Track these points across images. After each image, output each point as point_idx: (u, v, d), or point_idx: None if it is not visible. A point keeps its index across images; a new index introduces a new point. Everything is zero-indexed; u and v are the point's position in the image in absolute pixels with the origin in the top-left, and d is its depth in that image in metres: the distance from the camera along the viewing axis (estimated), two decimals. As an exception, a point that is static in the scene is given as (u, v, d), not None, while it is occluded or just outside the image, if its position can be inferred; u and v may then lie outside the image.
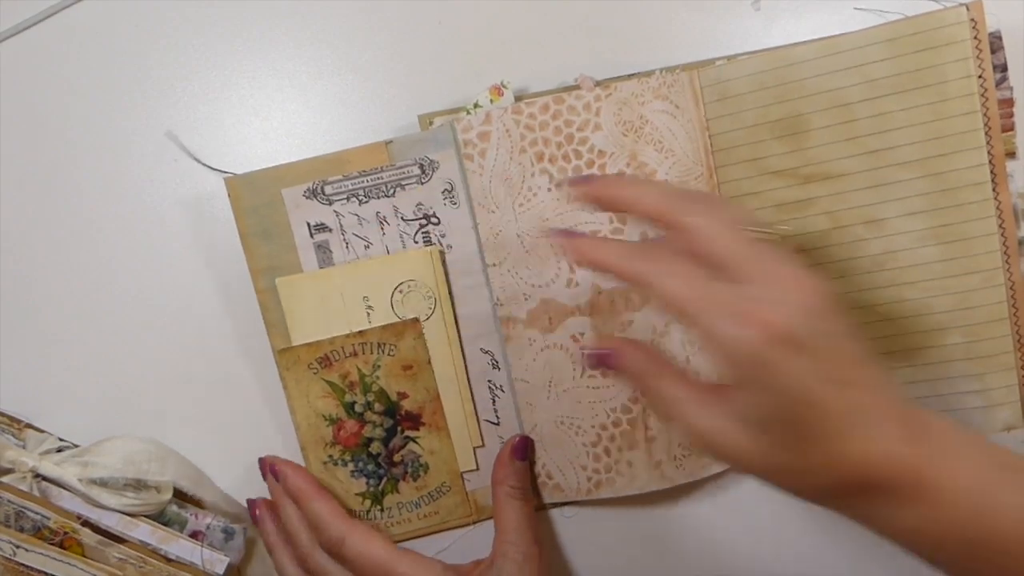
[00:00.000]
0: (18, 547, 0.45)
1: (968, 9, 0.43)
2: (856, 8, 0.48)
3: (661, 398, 0.36)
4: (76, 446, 0.47)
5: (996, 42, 0.45)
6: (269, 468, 0.47)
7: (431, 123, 0.47)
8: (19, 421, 0.48)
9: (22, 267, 0.48)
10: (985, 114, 0.44)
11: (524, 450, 0.46)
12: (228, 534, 0.47)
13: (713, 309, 0.32)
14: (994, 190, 0.44)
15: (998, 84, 0.45)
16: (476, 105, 0.46)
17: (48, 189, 0.48)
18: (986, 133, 0.44)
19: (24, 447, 0.47)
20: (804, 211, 0.46)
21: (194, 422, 0.49)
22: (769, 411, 0.32)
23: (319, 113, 0.48)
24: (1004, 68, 0.46)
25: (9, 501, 0.45)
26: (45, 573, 0.45)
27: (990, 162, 0.44)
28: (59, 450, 0.47)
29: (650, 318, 0.45)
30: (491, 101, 0.46)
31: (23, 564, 0.45)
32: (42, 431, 0.48)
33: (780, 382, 0.32)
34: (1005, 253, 0.44)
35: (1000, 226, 0.44)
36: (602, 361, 0.38)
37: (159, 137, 0.49)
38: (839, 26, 0.49)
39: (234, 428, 0.49)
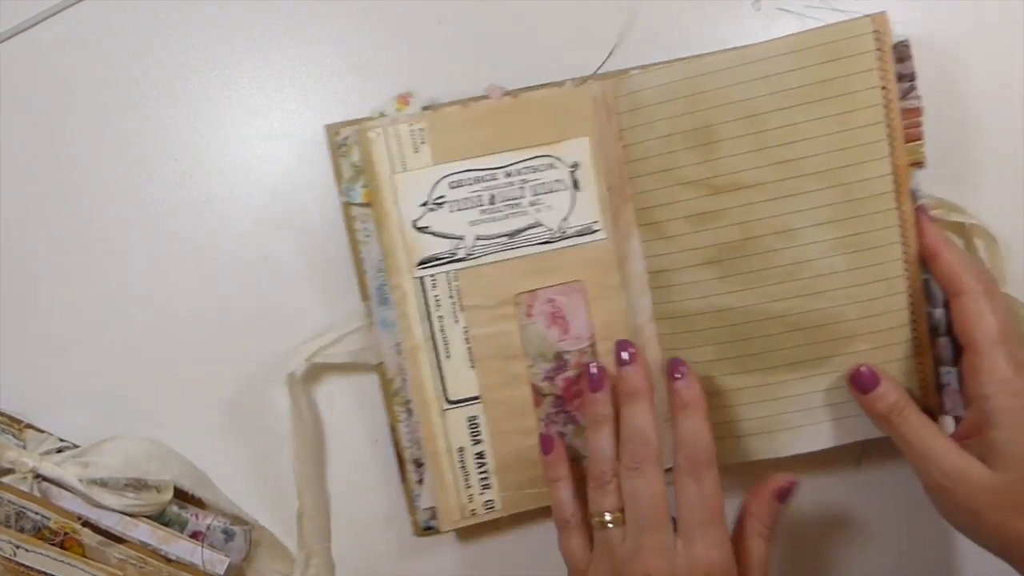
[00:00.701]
0: (18, 547, 0.45)
1: (873, 20, 0.43)
2: (778, 8, 0.48)
3: (909, 426, 0.42)
4: (76, 446, 0.47)
5: (905, 51, 0.45)
6: (673, 368, 0.44)
7: (338, 133, 0.46)
8: (19, 421, 0.47)
9: (22, 267, 0.48)
10: (888, 125, 0.44)
11: (788, 495, 0.44)
12: (228, 535, 0.47)
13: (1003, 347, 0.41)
14: (896, 200, 0.44)
15: (906, 93, 0.45)
16: (381, 114, 0.46)
17: (48, 189, 0.48)
18: (889, 144, 0.44)
19: (24, 447, 0.47)
20: (717, 222, 0.45)
21: (194, 422, 0.49)
22: (1019, 448, 0.39)
23: (319, 113, 0.48)
24: (912, 77, 0.45)
25: (10, 501, 0.45)
26: (45, 573, 0.45)
27: (893, 173, 0.44)
28: (59, 450, 0.47)
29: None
30: (397, 110, 0.46)
31: (23, 564, 0.45)
32: (42, 431, 0.48)
33: None
34: (906, 262, 0.44)
35: (902, 236, 0.44)
36: (864, 380, 0.44)
37: (159, 137, 0.49)
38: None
39: (235, 429, 0.49)
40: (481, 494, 0.47)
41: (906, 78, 0.45)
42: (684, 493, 0.41)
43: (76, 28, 0.48)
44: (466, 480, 0.47)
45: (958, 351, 0.44)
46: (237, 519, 0.48)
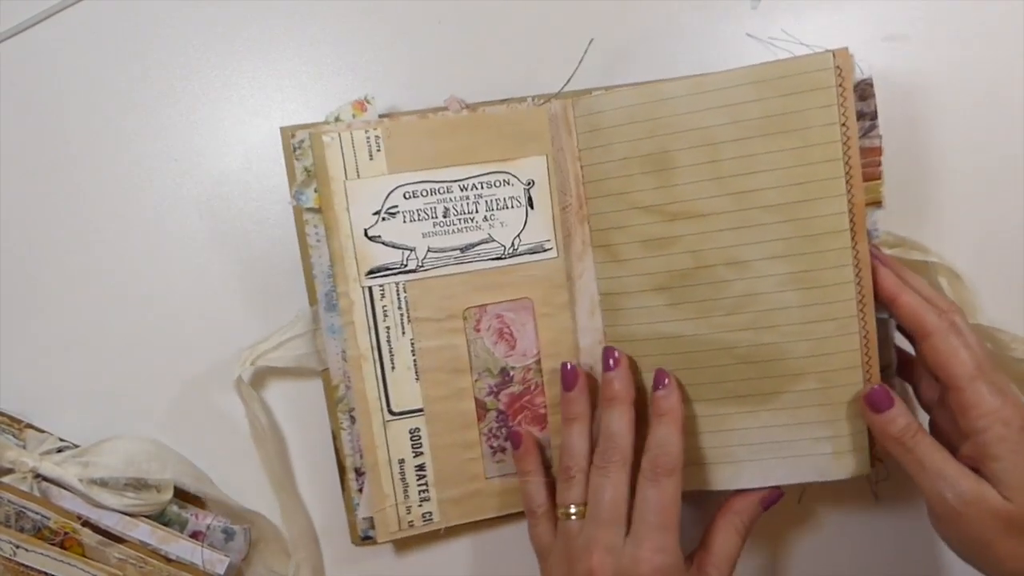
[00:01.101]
0: (18, 547, 0.45)
1: (834, 56, 0.42)
2: (747, 34, 0.49)
3: (923, 450, 0.42)
4: (76, 446, 0.47)
5: (868, 89, 0.45)
6: (658, 380, 0.45)
7: (293, 135, 0.46)
8: (19, 421, 0.48)
9: (22, 267, 0.48)
10: (847, 163, 0.43)
11: (772, 503, 0.46)
12: (228, 534, 0.47)
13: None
14: (852, 239, 0.43)
15: (868, 132, 0.45)
16: (337, 119, 0.46)
17: (48, 189, 0.48)
18: (847, 182, 0.43)
19: (24, 447, 0.47)
20: (669, 248, 0.45)
21: (194, 422, 0.49)
22: (1021, 475, 0.40)
23: (319, 113, 0.48)
24: (874, 116, 0.45)
25: (9, 501, 0.45)
26: (45, 573, 0.45)
27: (850, 211, 0.43)
28: (59, 450, 0.47)
29: None
30: (353, 116, 0.46)
31: (23, 564, 0.45)
32: (42, 431, 0.48)
33: None
34: (860, 302, 0.43)
35: (856, 275, 0.43)
36: (880, 399, 0.43)
37: (159, 137, 0.49)
38: (835, 27, 0.49)
39: (235, 429, 0.49)
40: (420, 506, 0.47)
41: (867, 116, 0.45)
42: (642, 496, 0.43)
43: (76, 28, 0.48)
44: (405, 492, 0.47)
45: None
46: (238, 518, 0.48)
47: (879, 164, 0.45)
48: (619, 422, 0.44)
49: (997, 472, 0.40)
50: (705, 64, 0.48)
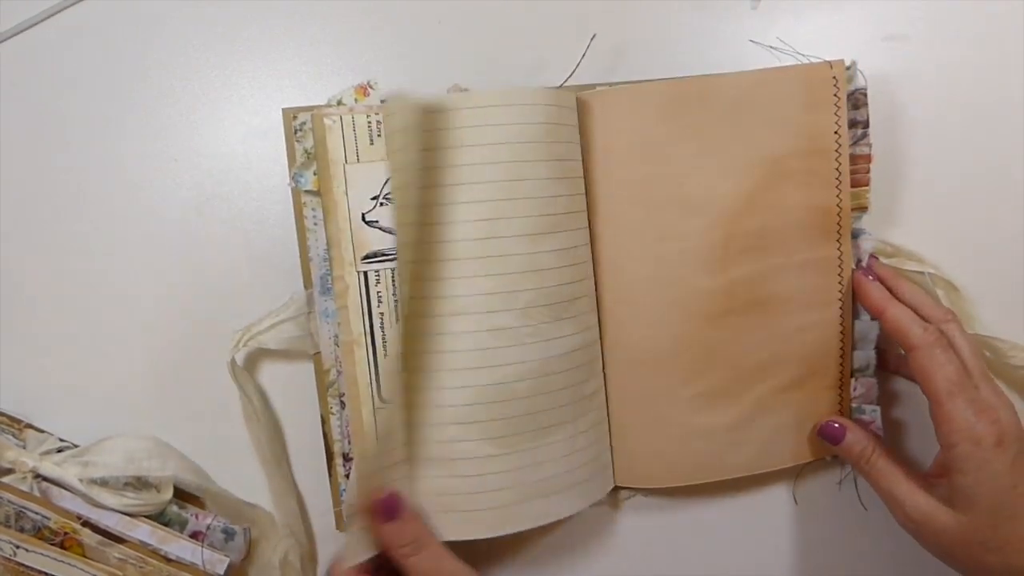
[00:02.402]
0: (18, 547, 0.45)
1: (831, 67, 0.45)
2: (750, 40, 0.49)
3: (878, 472, 0.45)
4: (76, 446, 0.47)
5: (861, 98, 0.46)
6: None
7: (295, 117, 0.46)
8: (19, 421, 0.47)
9: (22, 267, 0.48)
10: (837, 168, 0.45)
11: (393, 509, 0.43)
12: (228, 534, 0.47)
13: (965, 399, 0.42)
14: (838, 241, 0.46)
15: (859, 140, 0.46)
16: (340, 102, 0.46)
17: (48, 189, 0.48)
18: (836, 187, 0.45)
19: (24, 447, 0.47)
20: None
21: (194, 421, 0.49)
22: (983, 490, 0.41)
23: (319, 113, 0.48)
24: (866, 124, 0.46)
25: (9, 501, 0.45)
26: (45, 573, 0.45)
27: (837, 215, 0.45)
28: (59, 450, 0.47)
29: None
30: (356, 100, 0.46)
31: (23, 564, 0.45)
32: (42, 431, 0.48)
33: (996, 468, 0.41)
34: (840, 301, 0.47)
35: (839, 275, 0.46)
36: (833, 432, 0.46)
37: (159, 137, 0.49)
38: (835, 27, 0.49)
39: (235, 428, 0.49)
40: None
41: (860, 125, 0.46)
42: None
43: (76, 28, 0.48)
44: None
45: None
46: (239, 514, 0.48)
47: (868, 171, 0.46)
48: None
49: (960, 485, 0.42)
50: (705, 63, 0.48)
